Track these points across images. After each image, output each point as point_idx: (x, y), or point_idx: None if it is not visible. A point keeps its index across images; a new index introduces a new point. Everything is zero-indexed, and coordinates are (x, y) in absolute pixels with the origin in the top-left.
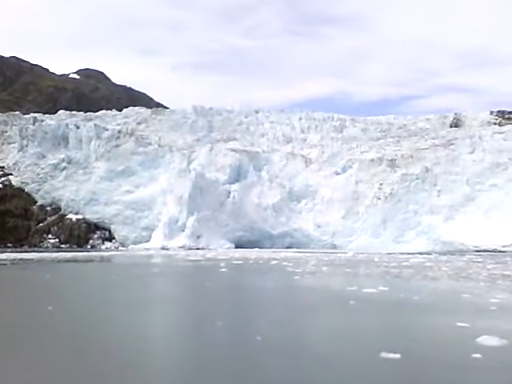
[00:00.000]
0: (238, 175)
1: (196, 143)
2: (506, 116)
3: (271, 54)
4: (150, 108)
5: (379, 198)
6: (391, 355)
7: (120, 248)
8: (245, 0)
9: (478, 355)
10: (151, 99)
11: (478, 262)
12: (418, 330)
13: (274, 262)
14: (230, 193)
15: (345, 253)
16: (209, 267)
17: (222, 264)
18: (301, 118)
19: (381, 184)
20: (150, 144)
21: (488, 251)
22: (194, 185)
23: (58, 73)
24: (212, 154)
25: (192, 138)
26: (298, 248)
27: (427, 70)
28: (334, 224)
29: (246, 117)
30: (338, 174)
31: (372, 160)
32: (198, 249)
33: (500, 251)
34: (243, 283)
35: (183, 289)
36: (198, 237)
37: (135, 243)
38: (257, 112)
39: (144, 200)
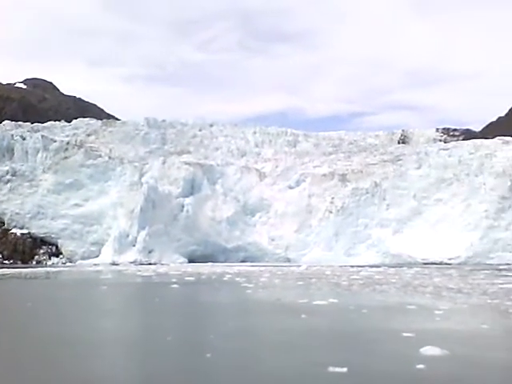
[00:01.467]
0: (191, 188)
1: (148, 156)
2: (451, 133)
3: (224, 69)
4: (101, 119)
5: (331, 212)
6: (338, 369)
7: (67, 264)
8: (198, 14)
9: (421, 366)
10: (102, 110)
11: (425, 274)
12: (365, 341)
13: (227, 277)
14: (183, 206)
15: (298, 266)
16: (160, 283)
17: (174, 279)
18: (255, 133)
19: (332, 198)
20: (100, 156)
21: (435, 264)
22: (145, 198)
23: (4, 82)
24: (165, 166)
25: (144, 151)
26: (252, 261)
27: (376, 87)
28: (288, 237)
29: (200, 130)
30: (291, 187)
31: (324, 174)
32: (149, 264)
33: (446, 263)
34: (194, 299)
35: (132, 306)
36: (150, 251)
37: (83, 259)
38: (211, 125)
39: (93, 214)
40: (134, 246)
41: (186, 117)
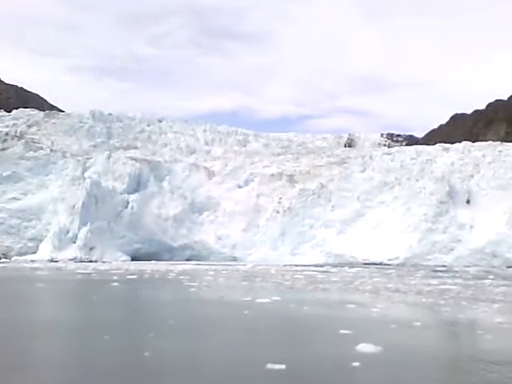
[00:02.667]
0: (137, 185)
1: (93, 150)
2: (395, 138)
3: (176, 64)
4: (43, 110)
5: (278, 212)
6: (277, 366)
7: (2, 260)
8: (150, 8)
9: (356, 363)
10: (45, 101)
11: (365, 274)
12: (304, 339)
13: (170, 275)
14: (128, 203)
15: (244, 265)
16: (100, 281)
17: (115, 277)
18: (205, 130)
19: (280, 198)
20: (42, 148)
21: (375, 264)
22: (88, 193)
23: None
24: (110, 161)
25: (88, 144)
26: (198, 260)
27: (325, 91)
28: (235, 236)
29: (148, 125)
30: (240, 187)
31: (273, 175)
32: (90, 261)
33: (386, 264)
34: (135, 297)
35: (69, 303)
36: (91, 249)
37: (20, 255)
38: (160, 121)
39: (32, 208)
40: (74, 242)
41: (133, 111)
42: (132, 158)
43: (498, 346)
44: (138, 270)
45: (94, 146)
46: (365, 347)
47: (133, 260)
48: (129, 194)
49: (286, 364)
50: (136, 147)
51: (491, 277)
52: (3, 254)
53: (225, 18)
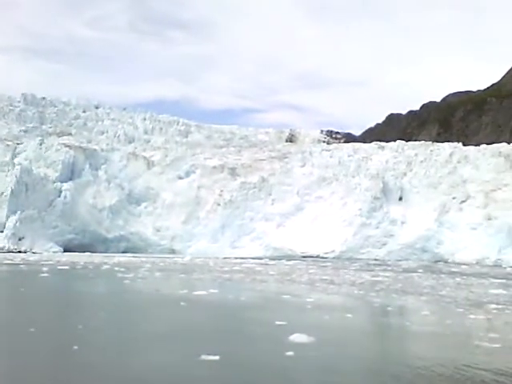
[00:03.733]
0: (71, 173)
1: (23, 135)
2: (334, 136)
3: (115, 49)
4: None
5: (219, 204)
6: (211, 357)
7: None
8: None
9: (290, 353)
10: None
11: (302, 266)
12: (240, 330)
13: (104, 267)
14: (60, 192)
15: (182, 257)
16: (28, 272)
17: (45, 269)
18: (145, 119)
19: (221, 191)
20: None
21: (312, 257)
22: (18, 181)
23: None
24: (42, 148)
25: (19, 129)
26: (135, 252)
27: (267, 86)
28: (174, 228)
29: (84, 111)
30: (180, 178)
31: (214, 167)
32: (19, 252)
33: (322, 257)
34: (65, 289)
35: None
36: (20, 239)
37: None
38: (97, 107)
39: None
40: (1, 231)
41: (69, 96)
42: (66, 145)
43: (423, 337)
44: (70, 262)
45: (25, 131)
46: (298, 337)
47: (65, 251)
48: (62, 182)
49: (220, 355)
50: (70, 134)
51: (420, 270)
52: None
53: (167, 4)
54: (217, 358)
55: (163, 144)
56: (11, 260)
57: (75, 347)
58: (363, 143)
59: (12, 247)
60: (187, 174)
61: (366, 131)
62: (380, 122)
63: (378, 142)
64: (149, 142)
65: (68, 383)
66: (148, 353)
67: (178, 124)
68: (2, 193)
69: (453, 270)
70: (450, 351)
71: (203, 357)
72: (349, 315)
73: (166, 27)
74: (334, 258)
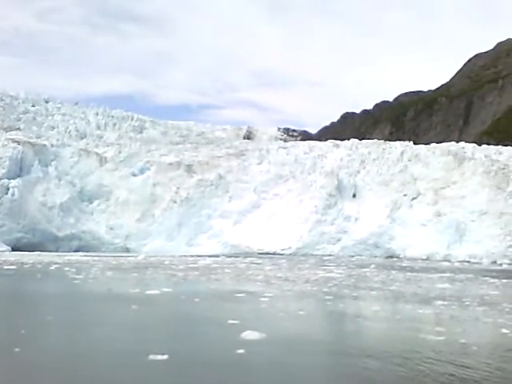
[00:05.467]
0: (19, 170)
1: None
2: (290, 133)
3: (66, 43)
4: None
5: (175, 202)
6: (159, 357)
7: None
8: None
9: (241, 350)
10: None
11: (258, 263)
12: (191, 329)
13: (54, 267)
14: (8, 189)
15: (135, 256)
16: None
17: None
18: (97, 114)
19: (178, 188)
20: None
21: (269, 254)
22: None
23: None
24: None
25: None
26: (87, 251)
27: (226, 82)
28: (128, 226)
29: (33, 105)
30: (134, 175)
31: (170, 164)
32: None
33: (279, 254)
34: (10, 291)
35: None
36: None
37: None
38: (46, 102)
39: None
40: None
41: (17, 89)
42: (14, 141)
43: (374, 332)
44: (18, 262)
45: None
46: (249, 335)
47: (14, 251)
48: (9, 179)
49: (168, 354)
50: (18, 128)
51: (373, 266)
52: None
53: None
54: (165, 357)
55: (116, 140)
56: None
57: (16, 349)
58: (319, 141)
59: None
60: (142, 171)
61: (322, 129)
62: (335, 120)
63: (333, 141)
64: (101, 137)
65: None
66: (94, 355)
67: (132, 119)
68: None
69: (403, 265)
70: (399, 345)
71: (151, 357)
72: (301, 312)
73: (121, 21)
74: (290, 254)
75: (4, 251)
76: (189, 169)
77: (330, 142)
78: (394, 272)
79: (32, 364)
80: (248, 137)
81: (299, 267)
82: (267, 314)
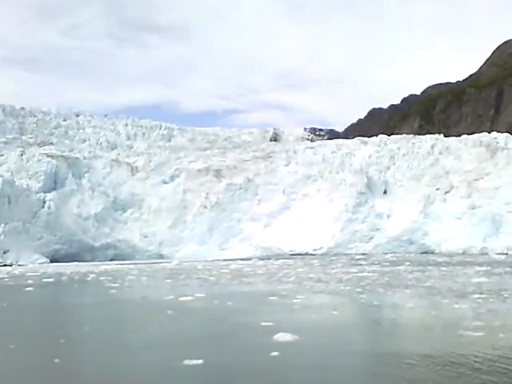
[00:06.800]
0: (54, 183)
1: (4, 147)
2: (317, 133)
3: (91, 56)
4: None
5: (206, 207)
6: (194, 361)
7: None
8: None
9: (275, 353)
10: None
11: (290, 265)
12: (225, 333)
13: (90, 277)
14: (44, 202)
15: (169, 262)
16: (12, 286)
17: (30, 281)
18: (126, 125)
19: (207, 193)
20: None
21: (300, 254)
22: (0, 193)
23: None
24: (23, 159)
25: None
26: (122, 260)
27: (249, 86)
28: (161, 233)
29: (64, 120)
30: (165, 183)
31: (199, 170)
32: (5, 265)
33: (311, 254)
34: (49, 302)
35: None
36: (6, 252)
37: None
38: (77, 115)
39: None
40: None
41: (48, 105)
42: (48, 155)
43: (411, 330)
44: (56, 273)
45: (6, 143)
46: (282, 337)
47: (52, 262)
48: (45, 192)
49: (203, 359)
50: (52, 143)
51: (407, 263)
52: None
53: (142, 9)
54: (200, 361)
55: (146, 149)
56: None
57: (56, 360)
58: (346, 139)
59: None
60: (172, 179)
61: (349, 127)
62: (362, 117)
63: (361, 138)
64: (132, 147)
65: None
66: (132, 361)
67: (160, 128)
68: None
69: (439, 260)
70: (437, 342)
71: (186, 361)
72: (335, 312)
73: (143, 32)
74: (322, 254)
75: (43, 263)
76: (217, 174)
77: (357, 140)
78: (429, 268)
79: (72, 374)
80: (274, 139)
81: (331, 267)
82: (300, 316)
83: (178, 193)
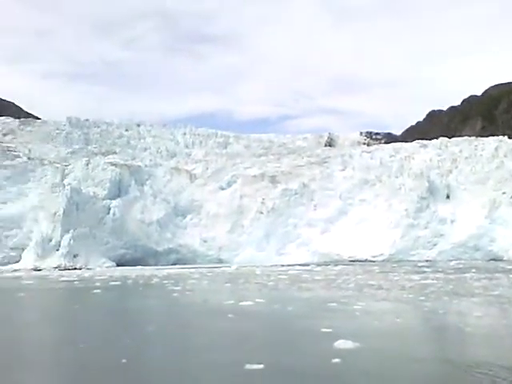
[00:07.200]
0: (118, 190)
1: (71, 156)
2: (374, 137)
3: (149, 68)
4: (19, 118)
5: (262, 213)
6: (255, 366)
7: None
8: (120, 13)
9: (337, 360)
10: (20, 109)
11: (349, 271)
12: (285, 339)
13: (154, 280)
14: (109, 209)
15: (228, 267)
16: (82, 288)
17: (98, 284)
18: (185, 133)
19: (263, 199)
20: (19, 156)
21: (360, 261)
22: (68, 200)
23: None
24: (89, 167)
25: (66, 151)
26: (184, 264)
27: (302, 91)
28: (220, 238)
29: (126, 130)
30: (222, 189)
31: (255, 176)
32: (74, 269)
33: (370, 261)
34: (116, 304)
35: (47, 313)
36: (75, 256)
37: (3, 264)
38: (138, 125)
39: (12, 217)
40: (57, 250)
41: (110, 116)
42: (112, 164)
43: (477, 339)
44: (122, 276)
45: (72, 153)
46: (343, 344)
47: (118, 266)
48: (110, 199)
49: (264, 364)
50: (115, 152)
51: (473, 270)
52: None
53: (196, 20)
54: (261, 366)
55: (204, 156)
56: (67, 277)
57: (124, 360)
58: (404, 142)
59: (68, 264)
60: (229, 185)
61: (407, 130)
62: (421, 119)
63: (420, 141)
64: (190, 155)
65: None
66: (192, 364)
67: (216, 136)
68: (55, 213)
69: (508, 267)
70: (507, 353)
71: (247, 366)
72: (398, 320)
73: (196, 42)
74: (382, 261)
75: (110, 267)
76: (273, 179)
77: (416, 143)
78: (497, 275)
79: (139, 375)
80: (329, 144)
81: (393, 274)
82: (361, 323)
83: (234, 198)
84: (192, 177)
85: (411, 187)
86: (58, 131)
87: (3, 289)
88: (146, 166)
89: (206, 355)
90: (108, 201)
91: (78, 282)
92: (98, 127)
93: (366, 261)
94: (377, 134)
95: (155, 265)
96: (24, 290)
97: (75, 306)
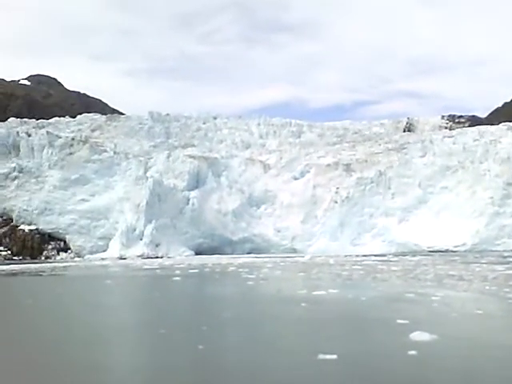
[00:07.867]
0: (196, 182)
1: (153, 150)
2: (457, 120)
3: (226, 61)
4: (105, 114)
5: (336, 202)
6: (328, 356)
7: (76, 258)
8: (198, 7)
9: (413, 352)
10: (106, 105)
11: (428, 262)
12: (359, 329)
13: (230, 269)
14: (188, 200)
15: (302, 256)
16: (162, 276)
17: (177, 272)
18: (259, 124)
19: (337, 188)
20: (106, 151)
21: (440, 251)
22: (151, 192)
23: (8, 79)
24: (170, 160)
25: (149, 145)
26: (258, 253)
27: (379, 76)
28: (294, 228)
29: (204, 123)
30: (296, 178)
31: (329, 165)
32: (156, 257)
33: (452, 251)
34: (194, 291)
35: (130, 299)
36: (157, 245)
37: (91, 253)
38: (215, 118)
39: (100, 209)
40: (141, 239)
41: (189, 110)
42: (190, 156)
43: None
44: (200, 264)
45: (154, 146)
46: (419, 335)
47: (197, 254)
48: (189, 190)
49: (337, 354)
50: (193, 145)
51: None
52: (76, 253)
53: (271, 9)
54: (334, 357)
55: (277, 147)
56: (149, 265)
57: (200, 347)
58: (490, 125)
59: (151, 253)
60: (302, 174)
61: (493, 112)
62: (508, 100)
63: (508, 123)
64: (264, 146)
65: (196, 380)
66: (266, 352)
67: (290, 125)
68: (139, 204)
69: None
70: None
71: (321, 356)
72: (479, 311)
73: (271, 32)
74: (464, 251)
75: (189, 255)
76: (347, 168)
77: (503, 126)
78: None
79: (215, 362)
80: (408, 129)
81: (475, 265)
82: (439, 314)
83: (308, 188)
84: (266, 167)
85: (497, 173)
86: (140, 125)
87: (92, 276)
88: (222, 157)
89: (279, 343)
90: (187, 192)
91: (160, 270)
92: (178, 121)
93: (446, 251)
94: (460, 117)
95: (231, 253)
96: (111, 277)
97: (156, 293)
